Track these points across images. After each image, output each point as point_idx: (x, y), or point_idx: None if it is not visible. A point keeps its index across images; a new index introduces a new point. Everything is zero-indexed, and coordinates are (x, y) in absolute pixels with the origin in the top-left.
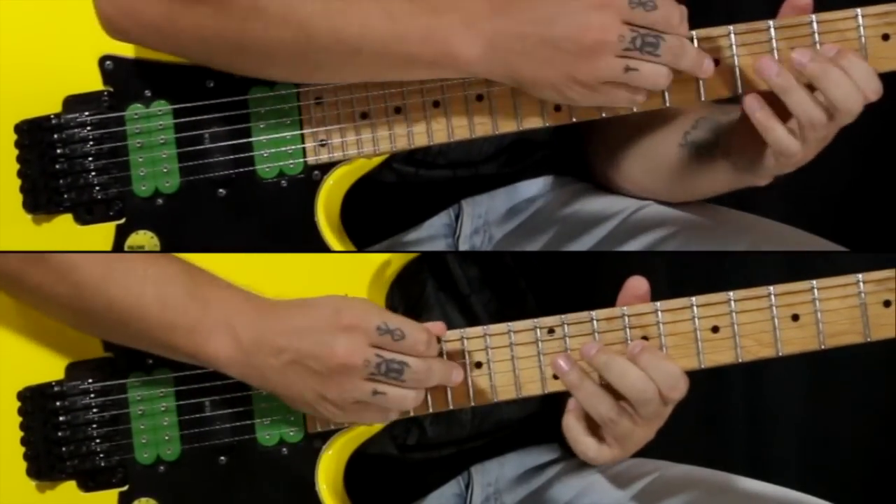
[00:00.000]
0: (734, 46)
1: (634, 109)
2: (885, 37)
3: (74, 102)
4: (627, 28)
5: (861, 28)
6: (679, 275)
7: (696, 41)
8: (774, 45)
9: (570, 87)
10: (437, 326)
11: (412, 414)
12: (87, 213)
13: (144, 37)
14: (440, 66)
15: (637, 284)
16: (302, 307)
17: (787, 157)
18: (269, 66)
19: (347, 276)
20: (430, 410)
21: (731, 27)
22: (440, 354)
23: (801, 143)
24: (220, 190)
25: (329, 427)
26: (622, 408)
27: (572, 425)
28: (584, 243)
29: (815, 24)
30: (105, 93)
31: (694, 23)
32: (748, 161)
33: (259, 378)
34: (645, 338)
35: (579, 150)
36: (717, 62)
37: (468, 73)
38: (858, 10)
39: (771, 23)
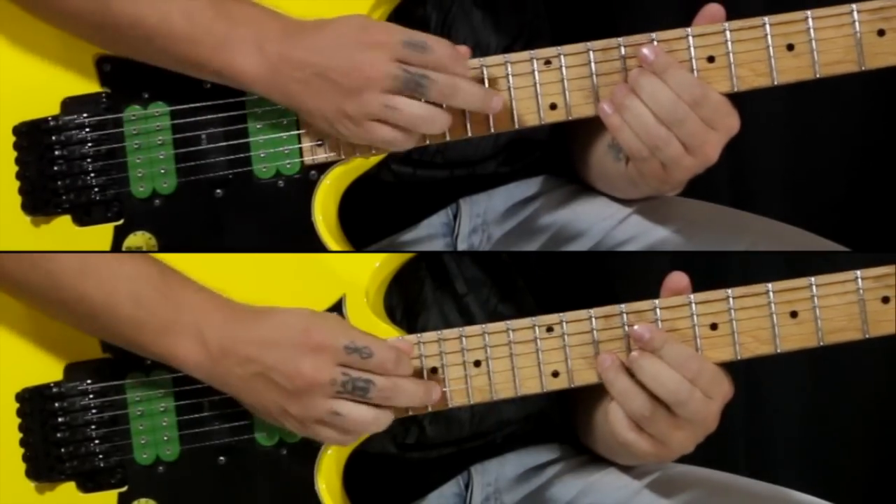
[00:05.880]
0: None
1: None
2: (881, 32)
3: (72, 104)
4: (396, 66)
5: (856, 24)
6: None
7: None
8: (770, 41)
9: (340, 121)
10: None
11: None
12: (85, 215)
13: None
14: (224, 77)
15: (678, 279)
16: (272, 319)
17: (639, 163)
18: (70, 27)
19: (346, 276)
20: (429, 409)
21: (724, 27)
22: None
23: (650, 152)
24: (218, 190)
25: None
26: (656, 406)
27: (614, 410)
28: (582, 244)
29: (810, 20)
30: (103, 94)
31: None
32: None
33: (224, 384)
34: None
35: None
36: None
37: (249, 88)
38: (854, 6)
39: (766, 19)
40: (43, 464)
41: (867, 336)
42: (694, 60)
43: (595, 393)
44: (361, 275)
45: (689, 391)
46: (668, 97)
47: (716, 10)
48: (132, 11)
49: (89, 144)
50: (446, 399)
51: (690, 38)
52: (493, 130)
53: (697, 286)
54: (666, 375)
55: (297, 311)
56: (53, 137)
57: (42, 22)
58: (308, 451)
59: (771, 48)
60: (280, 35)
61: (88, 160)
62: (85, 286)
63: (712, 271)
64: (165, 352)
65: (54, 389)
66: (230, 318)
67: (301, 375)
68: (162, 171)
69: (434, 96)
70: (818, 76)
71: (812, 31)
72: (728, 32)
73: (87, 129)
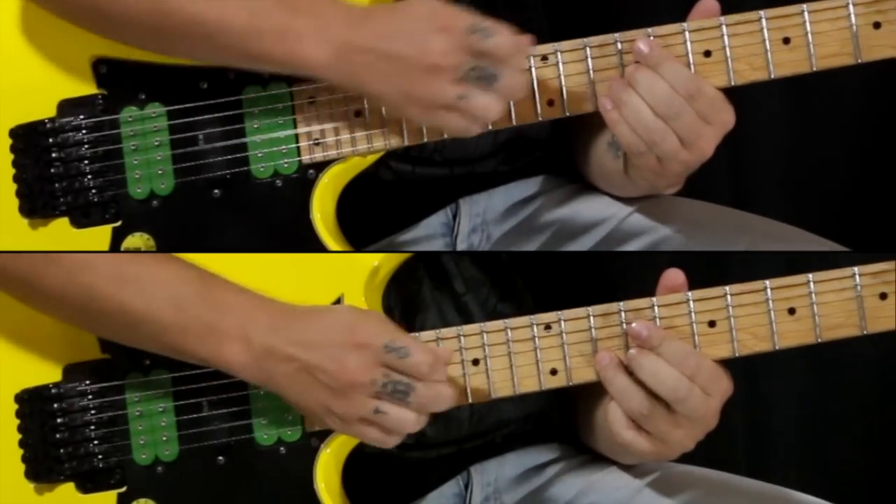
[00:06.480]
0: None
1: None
2: (877, 25)
3: (69, 106)
4: (467, 57)
5: (852, 16)
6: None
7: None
8: (766, 35)
9: (408, 105)
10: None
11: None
12: (83, 217)
13: None
14: (290, 66)
15: (674, 276)
16: (316, 318)
17: (636, 157)
18: (126, 33)
19: (344, 275)
20: None
21: (720, 21)
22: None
23: (647, 146)
24: (216, 191)
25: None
26: (655, 404)
27: (612, 409)
28: (582, 244)
29: (806, 14)
30: (99, 96)
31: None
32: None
33: (270, 383)
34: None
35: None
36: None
37: (315, 76)
38: None
39: (762, 13)
40: (42, 464)
41: (865, 332)
42: (690, 55)
43: (595, 392)
44: (359, 274)
45: (689, 388)
46: (665, 90)
47: (710, 4)
48: (191, 10)
49: (86, 146)
50: None
51: (686, 33)
52: (490, 127)
53: (697, 286)
54: (665, 373)
55: (341, 309)
56: (50, 139)
57: (37, 34)
58: (307, 450)
59: (767, 42)
60: (344, 21)
61: (85, 162)
62: (124, 295)
63: (712, 271)
64: (209, 355)
65: (53, 390)
66: (275, 319)
67: (345, 372)
68: (159, 171)
69: (499, 91)
70: (814, 69)
71: (808, 24)
72: (724, 27)
73: (84, 131)
